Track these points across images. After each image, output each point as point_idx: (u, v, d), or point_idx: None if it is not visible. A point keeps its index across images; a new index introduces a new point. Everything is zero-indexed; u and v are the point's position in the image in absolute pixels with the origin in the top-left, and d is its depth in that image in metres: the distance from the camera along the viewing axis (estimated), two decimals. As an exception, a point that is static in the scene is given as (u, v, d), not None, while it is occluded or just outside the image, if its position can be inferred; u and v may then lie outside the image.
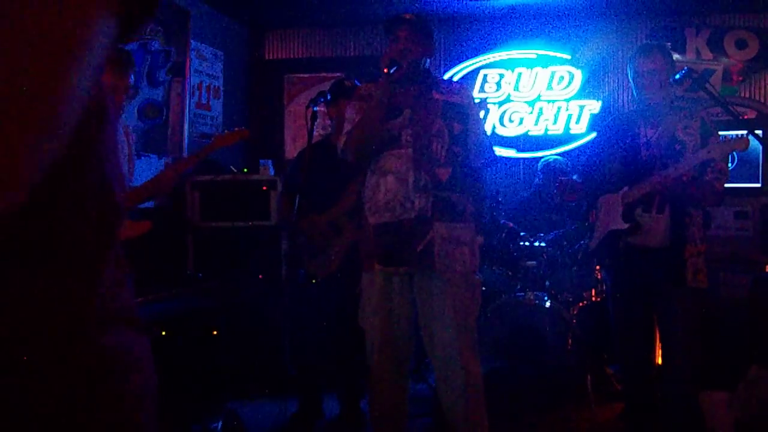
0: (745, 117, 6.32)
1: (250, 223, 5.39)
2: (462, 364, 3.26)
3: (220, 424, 3.88)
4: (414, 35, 3.39)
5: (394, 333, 3.43)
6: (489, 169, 3.75)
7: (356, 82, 4.41)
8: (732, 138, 3.39)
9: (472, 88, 6.88)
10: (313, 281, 4.47)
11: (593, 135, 6.30)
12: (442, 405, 3.42)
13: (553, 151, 6.73)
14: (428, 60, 3.51)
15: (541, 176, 6.02)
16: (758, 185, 6.45)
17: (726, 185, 3.62)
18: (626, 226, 3.67)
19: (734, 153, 6.21)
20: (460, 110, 3.44)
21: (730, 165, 3.65)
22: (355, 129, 3.41)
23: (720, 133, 3.74)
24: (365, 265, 3.46)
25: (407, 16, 3.43)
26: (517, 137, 6.96)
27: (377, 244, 3.38)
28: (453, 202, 3.35)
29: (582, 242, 5.05)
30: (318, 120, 4.12)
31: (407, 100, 3.40)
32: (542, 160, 6.20)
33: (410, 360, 3.56)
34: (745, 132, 3.40)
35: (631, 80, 3.77)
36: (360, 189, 3.57)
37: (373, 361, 3.47)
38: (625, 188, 3.68)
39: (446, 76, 6.92)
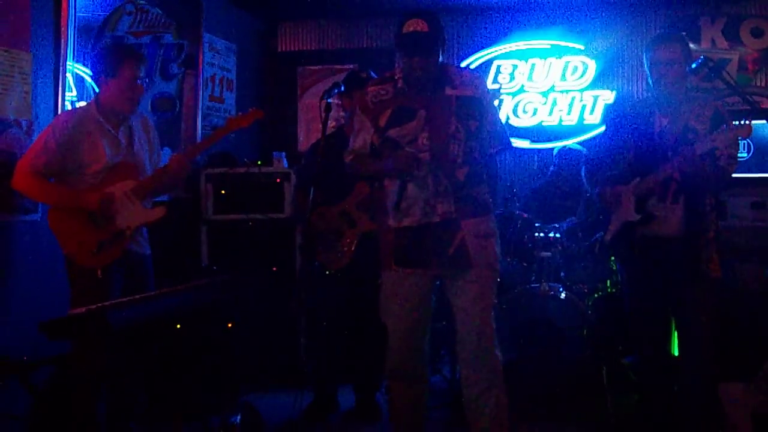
0: (762, 106, 6.27)
1: (264, 216, 5.38)
2: (493, 356, 3.33)
3: (238, 417, 3.88)
4: (432, 48, 3.24)
5: (413, 329, 3.43)
6: (503, 154, 3.70)
7: (371, 73, 4.39)
8: (735, 125, 3.37)
9: (486, 78, 6.84)
10: (327, 273, 4.47)
11: (607, 125, 6.26)
12: (465, 396, 3.39)
13: (567, 142, 6.68)
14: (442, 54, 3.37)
15: (557, 162, 5.99)
16: (775, 175, 6.40)
17: (742, 175, 3.60)
18: (638, 217, 3.65)
19: (749, 142, 6.18)
20: (475, 104, 3.35)
21: (746, 155, 3.62)
22: (359, 164, 3.49)
23: (736, 123, 3.71)
24: (384, 264, 3.44)
25: (419, 27, 3.21)
26: (531, 128, 6.92)
27: (398, 245, 3.36)
28: (475, 197, 3.35)
29: (597, 235, 5.02)
30: (332, 111, 4.10)
31: (421, 100, 3.31)
32: (559, 147, 6.17)
33: (428, 358, 3.56)
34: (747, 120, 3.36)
35: (647, 70, 3.73)
36: (377, 192, 3.55)
37: (391, 356, 3.47)
38: (636, 179, 3.66)
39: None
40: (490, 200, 3.45)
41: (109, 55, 3.97)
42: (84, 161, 3.71)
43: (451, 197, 3.28)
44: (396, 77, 3.39)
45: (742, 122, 3.33)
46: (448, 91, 3.33)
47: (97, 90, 3.93)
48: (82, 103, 4.69)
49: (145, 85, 3.89)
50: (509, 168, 6.93)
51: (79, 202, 3.67)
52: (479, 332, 3.31)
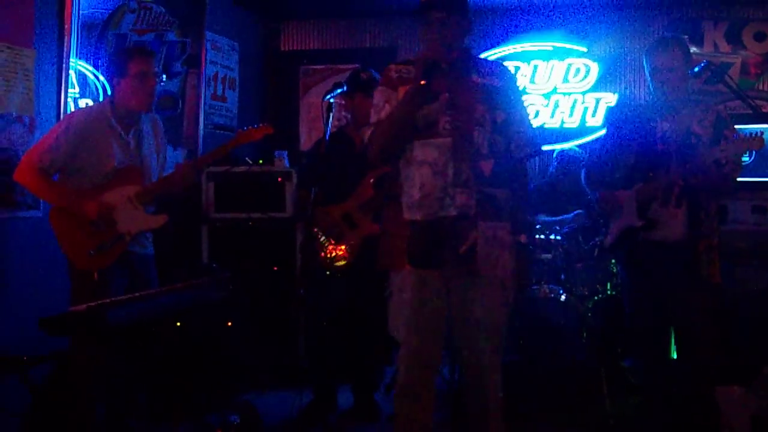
0: (764, 110, 6.26)
1: (265, 215, 5.38)
2: (494, 370, 3.08)
3: (237, 417, 3.88)
4: (450, 17, 3.01)
5: (429, 342, 3.09)
6: (532, 160, 3.43)
7: (373, 73, 4.39)
8: (747, 136, 3.36)
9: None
10: (327, 273, 4.46)
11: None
12: (468, 405, 3.20)
13: (569, 144, 6.69)
14: (467, 38, 3.16)
15: (556, 165, 5.99)
16: (776, 179, 6.39)
17: (743, 179, 3.60)
18: (641, 223, 3.65)
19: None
20: (503, 95, 3.09)
21: (747, 159, 3.62)
22: (384, 122, 3.07)
23: (738, 126, 3.71)
24: (396, 264, 3.10)
25: None
26: (533, 130, 6.91)
27: (411, 242, 3.04)
28: (497, 199, 3.05)
29: (597, 239, 5.02)
30: (334, 111, 4.10)
31: (444, 83, 3.00)
32: (558, 149, 6.17)
33: (439, 369, 3.29)
34: (760, 131, 3.35)
35: (647, 75, 3.74)
36: (389, 181, 3.24)
37: (404, 373, 3.12)
38: (639, 185, 3.66)
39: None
40: (511, 208, 3.11)
41: (119, 55, 4.01)
42: (92, 161, 3.71)
43: (473, 191, 2.98)
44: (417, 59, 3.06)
45: (755, 134, 3.32)
46: (475, 78, 3.08)
47: (110, 92, 3.93)
48: (88, 101, 4.70)
49: (157, 80, 3.89)
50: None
51: (78, 209, 3.67)
52: (479, 347, 3.06)
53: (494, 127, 3.05)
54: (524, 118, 3.17)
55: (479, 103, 3.03)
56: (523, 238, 3.15)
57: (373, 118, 3.14)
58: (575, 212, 5.31)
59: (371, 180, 4.35)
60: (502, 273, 3.05)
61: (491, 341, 3.06)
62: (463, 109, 3.01)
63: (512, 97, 3.13)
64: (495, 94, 3.07)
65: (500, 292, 3.07)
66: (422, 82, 2.90)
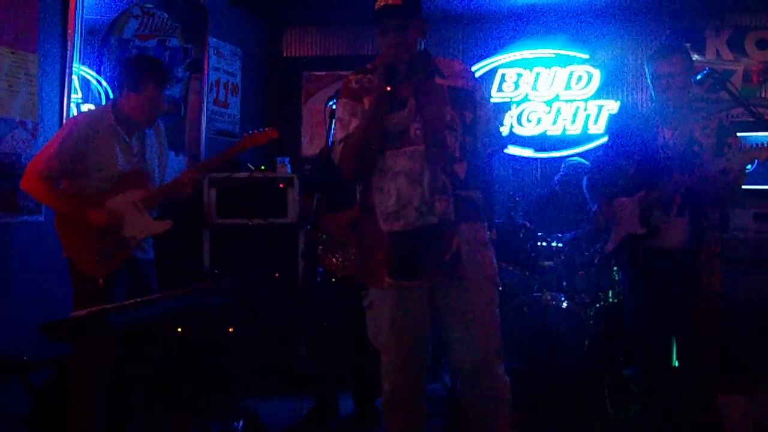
0: (767, 117, 6.26)
1: (267, 221, 5.38)
2: (494, 374, 2.99)
3: (240, 423, 3.88)
4: (406, 22, 2.96)
5: (413, 352, 3.03)
6: (497, 156, 3.33)
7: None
8: (753, 146, 3.36)
9: (490, 86, 6.85)
10: (333, 280, 4.46)
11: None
12: (469, 413, 3.10)
13: (571, 151, 6.70)
14: (423, 41, 3.08)
15: (561, 177, 5.97)
16: (778, 187, 6.38)
17: (745, 187, 3.59)
18: (644, 230, 3.64)
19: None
20: (467, 95, 3.03)
21: (750, 167, 3.62)
22: (353, 135, 2.98)
23: (740, 134, 3.71)
24: (373, 279, 3.01)
25: (391, 1, 2.95)
26: (535, 137, 6.92)
27: (390, 254, 2.95)
28: (473, 201, 3.01)
29: (597, 245, 5.01)
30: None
31: (409, 89, 2.96)
32: (567, 160, 6.16)
33: (426, 378, 3.18)
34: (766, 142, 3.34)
35: (649, 82, 3.74)
36: (362, 193, 3.12)
37: (389, 384, 3.06)
38: (642, 192, 3.66)
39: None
40: (484, 206, 3.10)
41: (136, 68, 3.89)
42: (96, 165, 3.70)
43: (450, 196, 2.93)
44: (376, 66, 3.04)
45: (762, 144, 3.32)
46: (439, 80, 3.02)
47: (111, 95, 3.93)
48: (90, 106, 4.70)
49: (164, 102, 3.89)
50: (512, 176, 6.94)
51: (86, 217, 3.65)
52: (473, 352, 2.97)
53: (464, 128, 3.00)
54: (489, 118, 3.11)
55: (447, 106, 2.98)
56: (493, 235, 3.13)
57: (340, 134, 3.04)
58: (571, 233, 5.30)
59: None
60: (487, 272, 3.01)
61: (491, 342, 2.99)
62: (433, 114, 2.96)
63: (477, 97, 3.07)
64: (461, 95, 3.02)
65: (490, 292, 3.01)
66: (387, 89, 2.87)
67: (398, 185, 2.93)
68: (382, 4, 2.98)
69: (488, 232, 3.10)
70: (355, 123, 2.99)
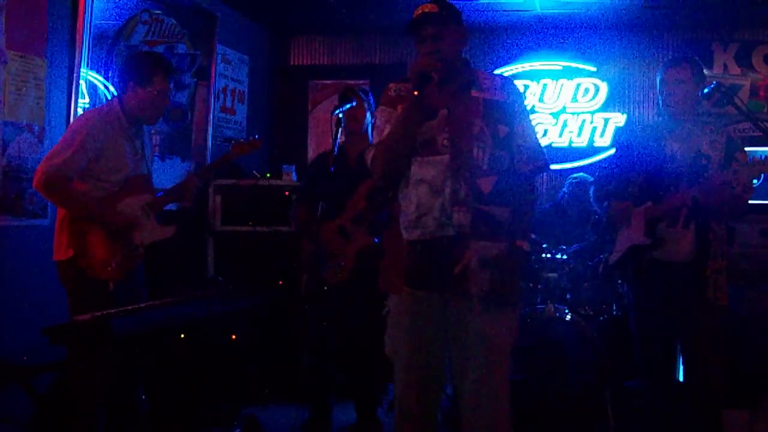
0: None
1: (272, 229, 5.38)
2: (494, 402, 2.88)
3: (241, 430, 3.87)
4: (442, 29, 2.94)
5: (428, 365, 2.97)
6: (539, 175, 3.20)
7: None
8: (759, 159, 3.36)
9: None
10: (324, 288, 4.43)
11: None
12: (468, 425, 2.96)
13: (577, 164, 6.70)
14: (463, 50, 3.08)
15: (567, 191, 5.96)
16: (784, 202, 6.37)
17: (751, 201, 3.59)
18: (648, 241, 3.63)
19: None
20: (505, 109, 2.99)
21: (756, 181, 3.61)
22: (384, 141, 2.96)
23: (747, 149, 3.71)
24: (394, 286, 3.01)
25: (428, 9, 2.95)
26: (541, 149, 6.91)
27: (408, 263, 2.95)
28: (494, 218, 2.91)
29: (600, 256, 4.99)
30: (343, 126, 4.11)
31: (443, 99, 2.93)
32: (570, 177, 6.15)
33: (442, 393, 3.14)
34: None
35: (658, 91, 3.74)
36: (390, 202, 3.15)
37: (402, 395, 3.00)
38: (648, 203, 3.65)
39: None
40: (510, 225, 2.96)
41: (143, 62, 3.84)
42: (110, 165, 3.61)
43: (469, 209, 2.87)
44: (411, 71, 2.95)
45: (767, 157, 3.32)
46: (475, 93, 2.99)
47: (116, 93, 3.90)
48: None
49: (170, 97, 3.87)
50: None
51: (105, 217, 3.57)
52: (476, 376, 2.87)
53: (496, 142, 2.95)
54: (527, 133, 3.05)
55: (478, 118, 2.94)
56: (525, 246, 2.99)
57: (375, 139, 3.05)
58: (575, 246, 5.29)
59: (363, 192, 4.34)
60: (497, 294, 2.89)
61: (491, 368, 2.88)
62: (461, 125, 2.93)
63: (515, 111, 3.03)
64: (496, 109, 2.98)
65: (500, 317, 2.91)
66: (415, 93, 2.82)
67: (419, 194, 2.92)
68: (419, 12, 2.97)
69: (521, 241, 2.97)
70: (388, 129, 2.99)
